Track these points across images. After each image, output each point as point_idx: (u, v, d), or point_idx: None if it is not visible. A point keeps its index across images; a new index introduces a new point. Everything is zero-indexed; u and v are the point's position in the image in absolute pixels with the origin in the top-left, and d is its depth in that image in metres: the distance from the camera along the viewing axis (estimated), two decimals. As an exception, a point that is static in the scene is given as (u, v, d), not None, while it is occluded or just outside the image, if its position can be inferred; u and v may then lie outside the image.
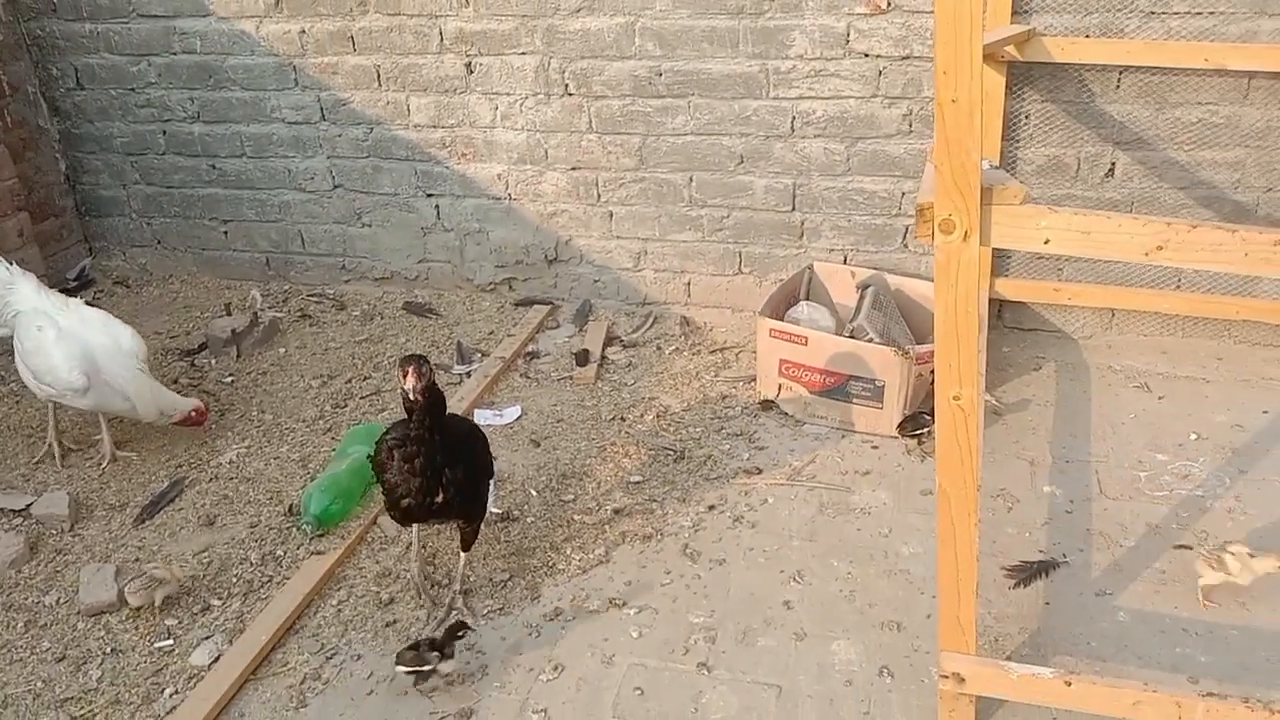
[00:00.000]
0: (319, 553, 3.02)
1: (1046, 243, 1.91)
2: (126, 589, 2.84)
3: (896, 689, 2.46)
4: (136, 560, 3.06)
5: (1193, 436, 3.38)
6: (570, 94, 4.13)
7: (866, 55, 3.76)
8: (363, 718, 2.48)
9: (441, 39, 4.18)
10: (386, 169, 4.51)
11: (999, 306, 4.03)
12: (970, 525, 2.13)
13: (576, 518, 3.13)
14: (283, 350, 4.29)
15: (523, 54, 4.11)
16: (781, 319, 3.71)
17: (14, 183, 4.51)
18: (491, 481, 2.86)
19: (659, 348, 4.15)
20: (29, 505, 3.29)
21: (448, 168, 4.42)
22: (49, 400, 3.45)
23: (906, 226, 3.96)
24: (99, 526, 3.24)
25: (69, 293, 4.70)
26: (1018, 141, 3.77)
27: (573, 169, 4.26)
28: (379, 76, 4.33)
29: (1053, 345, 3.98)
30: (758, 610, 2.74)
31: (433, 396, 2.51)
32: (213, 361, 4.20)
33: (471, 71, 4.21)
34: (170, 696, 2.56)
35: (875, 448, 3.44)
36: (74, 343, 3.36)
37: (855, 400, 3.47)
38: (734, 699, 2.46)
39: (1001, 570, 2.82)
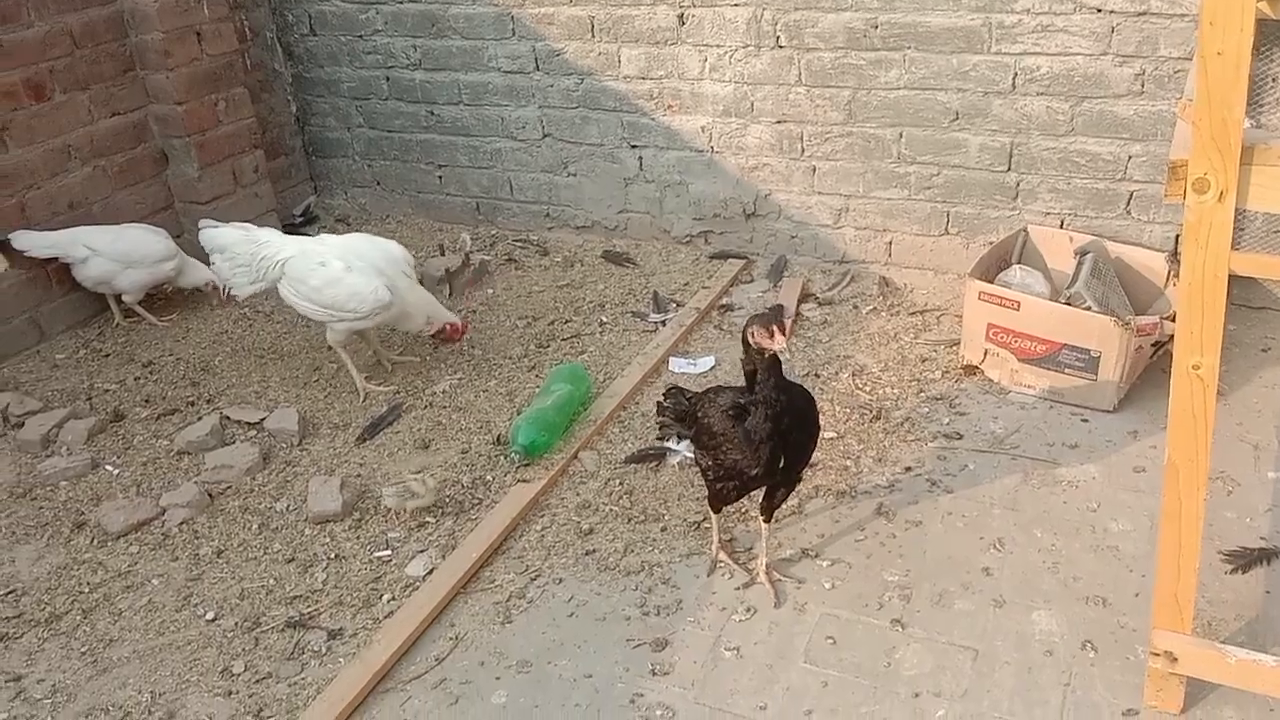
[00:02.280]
0: (525, 481, 3.16)
1: (1314, 207, 1.79)
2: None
3: (1100, 664, 2.40)
4: (358, 476, 3.29)
5: None
6: (781, 46, 4.10)
7: (1099, 10, 3.57)
8: (563, 638, 2.61)
9: (656, -10, 4.22)
10: (594, 120, 4.61)
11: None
12: (1198, 500, 2.04)
13: (771, 468, 3.16)
14: (490, 291, 4.48)
15: (735, 5, 4.10)
16: (991, 282, 3.60)
17: (252, 121, 4.84)
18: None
19: (855, 307, 4.11)
20: (262, 420, 3.57)
21: (653, 119, 4.48)
22: (344, 328, 3.60)
23: (1131, 192, 3.76)
24: (324, 443, 3.49)
25: (294, 228, 5.06)
26: (1262, 107, 3.49)
27: (778, 122, 4.25)
28: (593, 27, 4.41)
29: (1285, 325, 3.72)
30: (954, 574, 2.71)
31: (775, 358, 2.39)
32: (426, 298, 4.42)
33: (683, 23, 4.24)
34: (388, 602, 2.76)
35: (1085, 421, 3.31)
36: (362, 263, 3.56)
37: (1067, 370, 3.35)
38: (929, 657, 2.45)
39: (1218, 554, 2.69)
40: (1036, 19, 3.67)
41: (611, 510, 3.05)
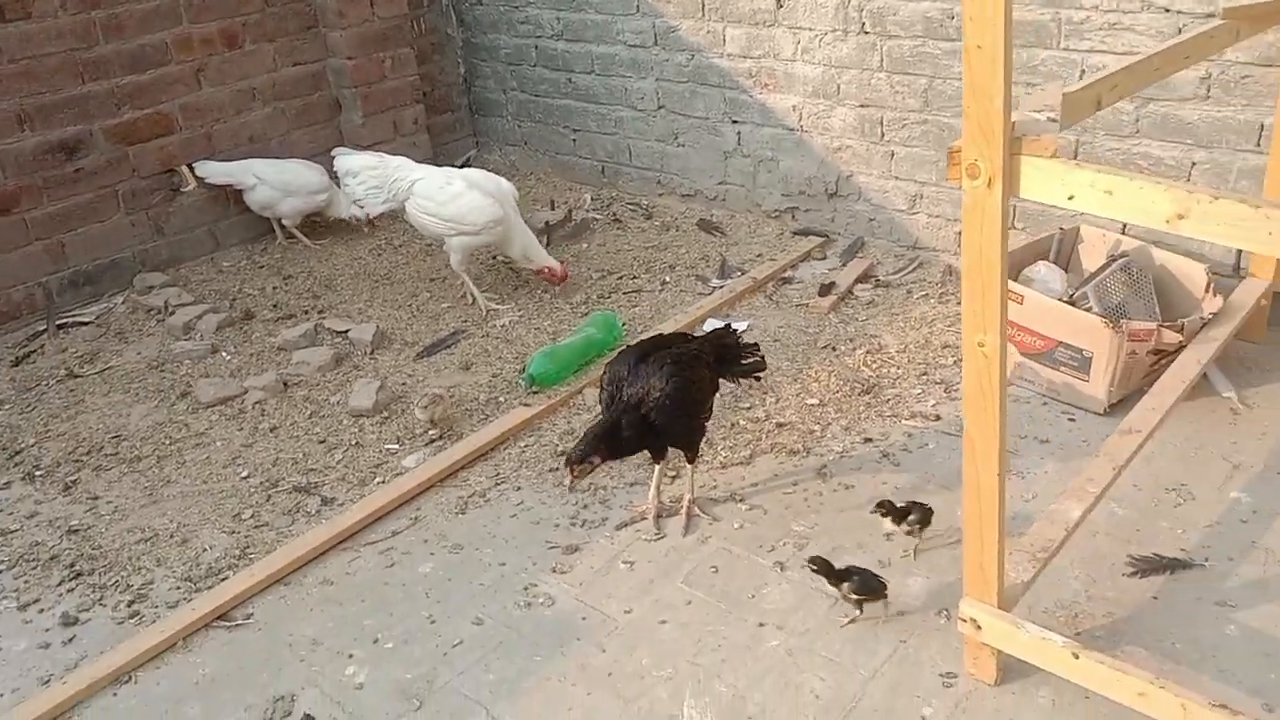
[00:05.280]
0: (527, 404, 3.58)
1: (1071, 199, 1.89)
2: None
3: (945, 630, 2.52)
4: (404, 384, 3.82)
5: None
6: (866, 32, 4.24)
7: (1167, 10, 3.49)
8: (498, 532, 3.02)
9: (757, -26, 4.46)
10: (701, 94, 4.91)
11: (1290, 302, 3.60)
12: (993, 472, 2.16)
13: (742, 423, 3.41)
14: (585, 245, 4.90)
15: (826, -9, 4.28)
16: (1017, 277, 3.63)
17: (415, 79, 5.50)
18: None
19: (909, 291, 4.20)
20: (348, 330, 4.19)
21: (751, 96, 4.72)
22: (460, 243, 4.18)
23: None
24: (391, 355, 4.06)
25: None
26: (1331, 117, 3.32)
27: (861, 106, 4.38)
28: (703, 7, 4.71)
29: (1347, 354, 3.49)
30: (856, 534, 2.87)
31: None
32: (524, 245, 4.91)
33: (781, 6, 4.45)
34: (377, 484, 3.27)
35: (1072, 420, 3.32)
36: (479, 187, 4.18)
37: (1062, 368, 3.36)
38: (791, 597, 2.67)
39: (1127, 557, 2.70)
40: (1105, 16, 3.62)
41: (588, 439, 3.40)
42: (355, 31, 5.19)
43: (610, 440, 2.74)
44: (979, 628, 2.29)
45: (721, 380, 3.06)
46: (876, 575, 2.56)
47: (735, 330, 3.13)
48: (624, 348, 3.02)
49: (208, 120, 4.94)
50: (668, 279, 4.49)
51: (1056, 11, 3.72)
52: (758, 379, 3.15)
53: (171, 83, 4.78)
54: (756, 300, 4.27)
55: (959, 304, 4.01)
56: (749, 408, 3.50)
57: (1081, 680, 2.17)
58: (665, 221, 5.07)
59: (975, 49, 1.83)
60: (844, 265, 4.47)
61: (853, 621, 2.56)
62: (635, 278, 4.53)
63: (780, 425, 3.38)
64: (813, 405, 3.48)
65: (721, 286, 4.36)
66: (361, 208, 4.48)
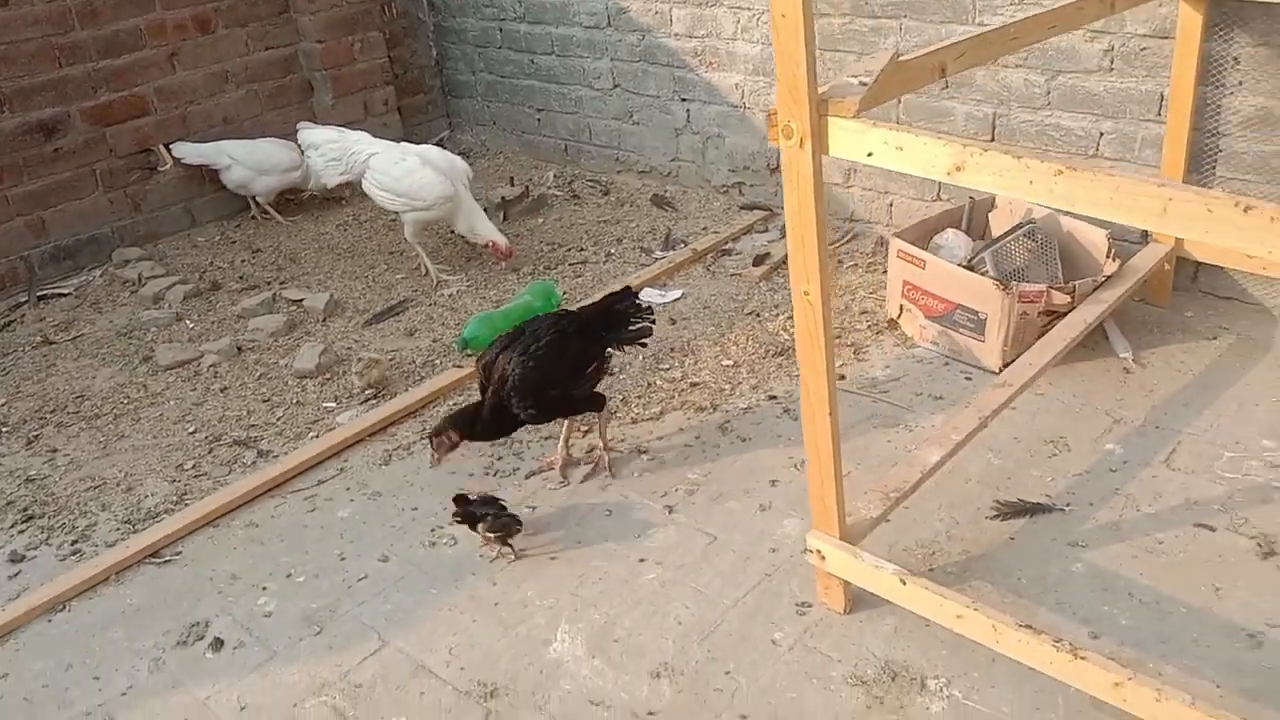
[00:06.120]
0: (459, 366, 3.78)
1: (870, 155, 2.06)
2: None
3: (810, 567, 2.69)
4: (349, 349, 4.04)
5: (1330, 433, 3.02)
6: (799, 12, 4.38)
7: (1071, -16, 3.62)
8: (418, 480, 3.23)
9: (698, -44, 4.62)
10: (652, 73, 5.08)
11: (1194, 269, 3.73)
12: (825, 411, 2.33)
13: (658, 382, 3.59)
14: (541, 220, 5.10)
15: (761, -28, 4.44)
16: (927, 244, 3.78)
17: (384, 62, 5.72)
18: None
19: (840, 261, 4.36)
20: (303, 299, 4.41)
21: (698, 75, 4.89)
22: (413, 217, 4.41)
23: (1082, 167, 3.77)
24: (341, 322, 4.28)
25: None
26: (1224, 88, 3.44)
27: (797, 84, 4.53)
28: (651, -12, 4.88)
29: (1245, 318, 3.61)
30: (745, 481, 3.05)
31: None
32: (482, 219, 5.11)
33: (721, -14, 4.62)
34: (310, 439, 3.48)
35: (969, 379, 3.47)
36: (432, 164, 4.41)
37: (961, 329, 3.51)
38: (673, 536, 2.86)
39: (993, 502, 2.86)
40: (1014, -8, 3.77)
41: (511, 397, 3.60)
42: (324, 16, 5.41)
43: (467, 422, 2.95)
44: (823, 558, 2.47)
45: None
46: (511, 514, 2.85)
47: (631, 295, 3.30)
48: (502, 333, 3.15)
49: (182, 102, 5.17)
50: (613, 251, 4.67)
51: (971, -12, 3.87)
52: (643, 345, 3.30)
53: (146, 66, 5.02)
54: (694, 270, 4.44)
55: (884, 273, 4.19)
56: (667, 369, 3.68)
57: (908, 604, 2.35)
58: (620, 197, 5.25)
59: (780, 18, 1.99)
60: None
61: (499, 557, 2.85)
62: (583, 250, 4.71)
63: (694, 384, 3.56)
64: (727, 366, 3.65)
65: (663, 258, 4.54)
66: (320, 179, 4.77)
